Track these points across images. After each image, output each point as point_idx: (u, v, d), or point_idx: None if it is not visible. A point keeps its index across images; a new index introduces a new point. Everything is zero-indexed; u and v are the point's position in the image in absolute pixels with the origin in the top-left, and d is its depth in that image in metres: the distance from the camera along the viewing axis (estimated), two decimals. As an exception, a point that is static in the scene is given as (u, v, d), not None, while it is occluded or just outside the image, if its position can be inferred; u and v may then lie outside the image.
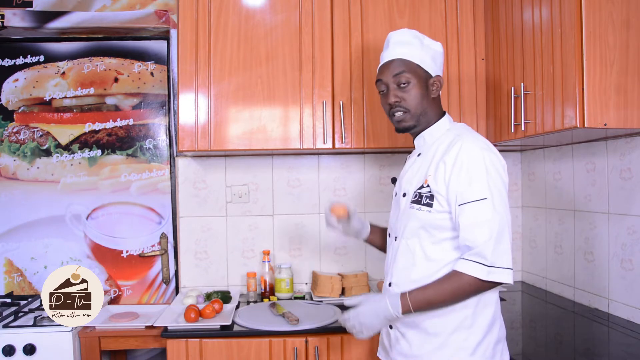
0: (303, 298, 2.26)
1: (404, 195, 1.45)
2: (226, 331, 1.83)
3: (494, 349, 1.33)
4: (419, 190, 1.38)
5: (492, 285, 1.27)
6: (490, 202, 1.26)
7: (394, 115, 1.45)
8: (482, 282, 1.25)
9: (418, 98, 1.42)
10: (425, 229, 1.36)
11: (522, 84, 1.78)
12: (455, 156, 1.32)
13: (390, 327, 1.42)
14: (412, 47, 1.45)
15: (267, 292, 2.28)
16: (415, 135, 1.49)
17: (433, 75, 1.44)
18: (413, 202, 1.39)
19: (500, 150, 2.43)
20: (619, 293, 1.80)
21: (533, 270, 2.40)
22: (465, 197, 1.28)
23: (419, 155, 1.47)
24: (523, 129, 1.78)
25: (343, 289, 2.22)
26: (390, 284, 1.43)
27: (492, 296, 1.35)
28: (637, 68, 1.53)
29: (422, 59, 1.43)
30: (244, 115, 2.07)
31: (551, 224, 2.23)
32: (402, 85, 1.42)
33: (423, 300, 1.29)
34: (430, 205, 1.34)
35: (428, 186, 1.36)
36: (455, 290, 1.27)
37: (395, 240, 1.45)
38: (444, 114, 1.48)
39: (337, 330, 1.83)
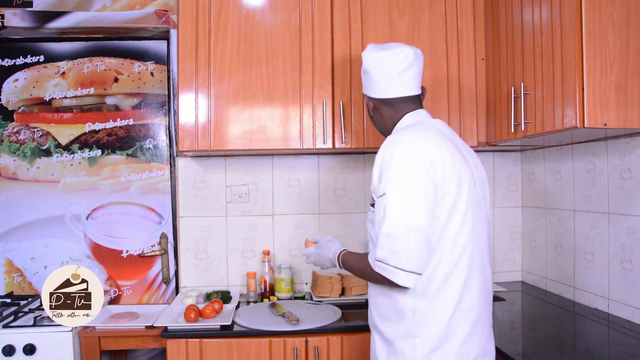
0: (303, 298, 2.26)
1: None
2: (226, 331, 1.83)
3: None
4: None
5: (384, 278, 1.25)
6: (386, 199, 1.25)
7: None
8: (373, 270, 1.27)
9: (370, 120, 1.62)
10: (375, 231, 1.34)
11: (522, 84, 1.79)
12: (377, 153, 1.35)
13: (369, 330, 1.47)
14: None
15: (267, 292, 2.28)
16: None
17: (369, 95, 1.50)
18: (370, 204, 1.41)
19: (500, 151, 2.48)
20: (619, 293, 1.80)
21: (533, 270, 2.40)
22: (376, 193, 1.31)
23: None
24: (523, 129, 1.78)
25: (343, 289, 2.22)
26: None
27: (438, 309, 1.27)
28: (637, 68, 1.53)
29: (364, 88, 1.53)
30: (244, 115, 2.06)
31: (551, 224, 2.23)
32: None
33: (348, 264, 1.45)
34: (372, 204, 1.36)
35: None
36: (363, 268, 1.33)
37: None
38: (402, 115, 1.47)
39: (337, 330, 1.84)
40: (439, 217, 1.26)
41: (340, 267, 1.49)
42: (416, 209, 1.23)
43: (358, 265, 1.39)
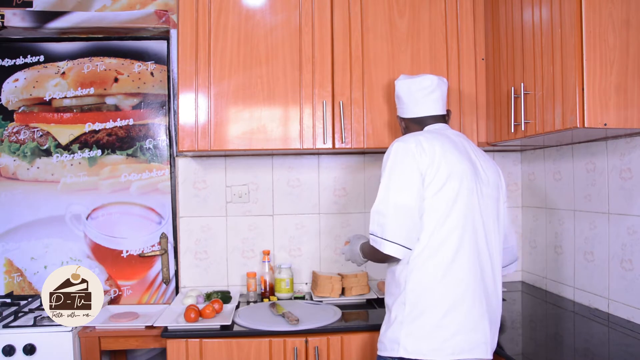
0: (303, 298, 2.26)
1: None
2: (226, 331, 1.83)
3: (429, 331, 1.41)
4: None
5: (380, 252, 1.44)
6: (381, 184, 1.46)
7: None
8: (378, 250, 1.45)
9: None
10: None
11: (522, 84, 1.79)
12: None
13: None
14: None
15: (267, 292, 2.28)
16: None
17: (401, 116, 1.73)
18: None
19: (500, 150, 2.48)
20: (619, 293, 1.80)
21: (533, 270, 2.40)
22: None
23: None
24: (523, 129, 1.78)
25: (343, 289, 2.22)
26: None
27: (423, 280, 1.42)
28: (637, 68, 1.53)
29: (398, 111, 1.76)
30: (244, 115, 2.07)
31: (551, 224, 2.23)
32: None
33: (364, 253, 1.63)
34: None
35: None
36: (371, 250, 1.49)
37: None
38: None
39: (337, 330, 1.84)
40: (427, 200, 1.42)
41: (363, 257, 1.65)
42: (401, 190, 1.42)
43: (368, 249, 1.53)
